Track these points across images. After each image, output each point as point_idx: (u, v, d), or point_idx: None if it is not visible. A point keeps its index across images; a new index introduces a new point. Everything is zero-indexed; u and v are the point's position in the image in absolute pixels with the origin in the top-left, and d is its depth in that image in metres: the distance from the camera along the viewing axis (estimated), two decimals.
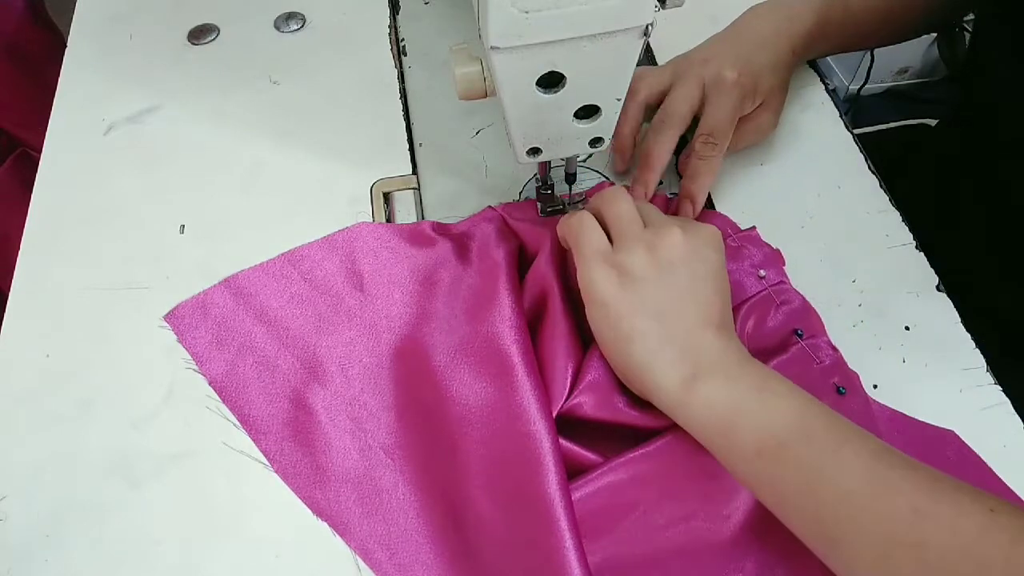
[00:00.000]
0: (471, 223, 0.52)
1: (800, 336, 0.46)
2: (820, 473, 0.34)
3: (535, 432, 0.40)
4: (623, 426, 0.43)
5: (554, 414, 0.42)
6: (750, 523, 0.40)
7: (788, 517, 0.36)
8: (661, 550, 0.40)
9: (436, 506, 0.42)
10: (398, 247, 0.50)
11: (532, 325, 0.46)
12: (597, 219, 0.43)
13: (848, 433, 0.35)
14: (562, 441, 0.41)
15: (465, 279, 0.48)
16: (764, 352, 0.45)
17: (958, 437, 0.44)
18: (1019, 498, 0.42)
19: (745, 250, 0.49)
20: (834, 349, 0.45)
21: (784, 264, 0.50)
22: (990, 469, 0.43)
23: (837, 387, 0.44)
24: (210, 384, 0.46)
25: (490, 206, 0.52)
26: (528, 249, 0.50)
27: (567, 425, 0.42)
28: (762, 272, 0.48)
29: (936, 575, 0.31)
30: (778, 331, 0.46)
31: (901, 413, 0.44)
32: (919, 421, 0.44)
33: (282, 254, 0.50)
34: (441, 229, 0.51)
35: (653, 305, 0.40)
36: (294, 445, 0.44)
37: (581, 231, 0.43)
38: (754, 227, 0.51)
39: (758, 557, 0.40)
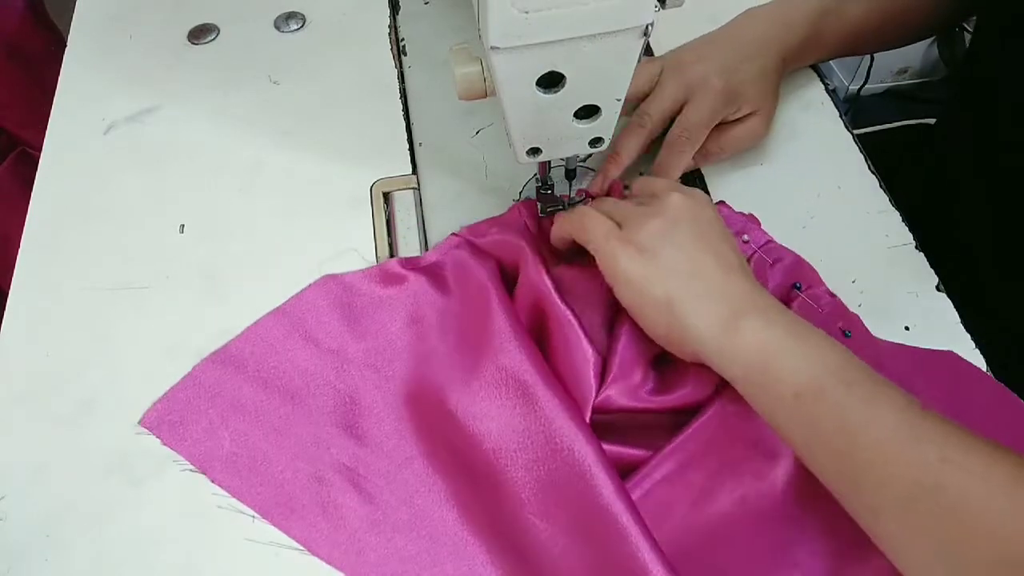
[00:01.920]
0: (439, 253, 0.50)
1: (799, 289, 0.47)
2: (856, 417, 0.35)
3: (575, 447, 0.40)
4: (654, 412, 0.43)
5: (587, 416, 0.42)
6: (796, 489, 0.41)
7: (816, 459, 0.37)
8: (724, 529, 0.40)
9: (496, 543, 0.41)
10: (370, 292, 0.48)
11: (537, 337, 0.45)
12: None
13: (885, 386, 0.36)
14: (605, 445, 0.41)
15: (451, 309, 0.47)
16: None
17: (956, 356, 0.46)
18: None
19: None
20: (832, 295, 0.47)
21: (760, 225, 0.51)
22: (991, 378, 0.44)
23: (843, 331, 0.46)
24: (214, 482, 0.43)
25: (453, 233, 0.51)
26: (506, 264, 0.49)
27: (603, 426, 0.42)
28: (745, 237, 0.49)
29: (958, 520, 0.32)
30: (779, 289, 0.48)
31: (899, 344, 0.46)
32: (918, 348, 0.46)
33: (243, 333, 0.47)
34: (410, 264, 0.49)
35: (678, 265, 0.41)
36: (324, 521, 0.42)
37: (586, 221, 0.44)
38: (722, 201, 0.52)
39: (811, 533, 0.40)
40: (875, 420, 0.35)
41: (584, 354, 0.43)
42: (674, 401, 0.43)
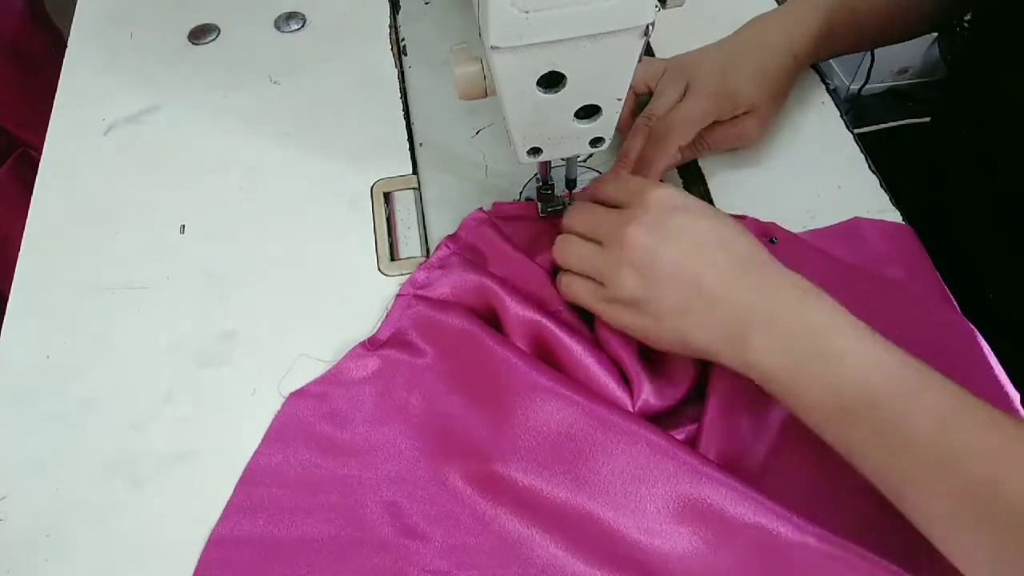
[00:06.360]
0: (393, 321, 0.47)
1: None
2: (890, 437, 0.35)
3: (657, 443, 0.40)
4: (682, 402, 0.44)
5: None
6: None
7: (862, 470, 0.37)
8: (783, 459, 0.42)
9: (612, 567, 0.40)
10: (347, 390, 0.45)
11: (552, 364, 0.44)
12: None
13: (914, 385, 0.35)
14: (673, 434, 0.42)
15: (437, 368, 0.45)
16: None
17: (862, 220, 0.51)
18: (951, 303, 0.47)
19: None
20: (742, 216, 0.50)
21: None
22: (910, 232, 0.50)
23: (770, 239, 0.49)
24: None
25: (399, 294, 0.48)
26: (477, 308, 0.47)
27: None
28: None
29: (1008, 517, 0.32)
30: None
31: (818, 229, 0.51)
32: (831, 227, 0.51)
33: (241, 480, 0.43)
34: (372, 344, 0.46)
35: (670, 307, 0.40)
36: None
37: (570, 289, 0.45)
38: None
39: None
40: (910, 439, 0.34)
41: (605, 370, 0.43)
42: (686, 389, 0.44)
